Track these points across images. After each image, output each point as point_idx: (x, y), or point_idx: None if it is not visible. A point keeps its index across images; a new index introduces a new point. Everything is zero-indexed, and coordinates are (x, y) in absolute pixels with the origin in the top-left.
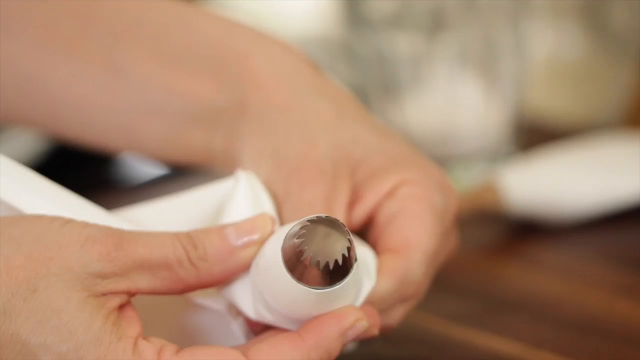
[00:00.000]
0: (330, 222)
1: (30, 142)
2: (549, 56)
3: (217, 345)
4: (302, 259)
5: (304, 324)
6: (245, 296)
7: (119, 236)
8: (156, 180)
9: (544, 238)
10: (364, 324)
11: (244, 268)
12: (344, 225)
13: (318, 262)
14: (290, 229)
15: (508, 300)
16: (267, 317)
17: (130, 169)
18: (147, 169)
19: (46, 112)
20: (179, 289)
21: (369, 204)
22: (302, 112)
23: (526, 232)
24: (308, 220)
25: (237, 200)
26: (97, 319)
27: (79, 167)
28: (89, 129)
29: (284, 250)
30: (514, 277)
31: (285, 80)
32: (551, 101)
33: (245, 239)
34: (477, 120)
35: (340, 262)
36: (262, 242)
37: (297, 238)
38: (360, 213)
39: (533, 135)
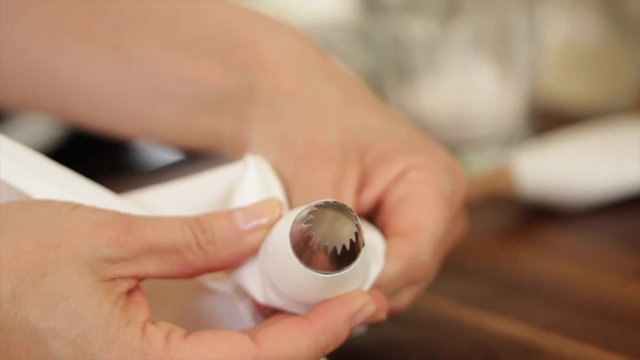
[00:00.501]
0: (338, 207)
1: (47, 127)
2: (565, 41)
3: (225, 330)
4: (309, 244)
5: (312, 308)
6: (253, 280)
7: (128, 221)
8: (172, 165)
9: (557, 222)
10: (371, 308)
11: (253, 252)
12: (352, 210)
13: (326, 247)
14: (298, 214)
15: (520, 284)
16: (275, 301)
17: (146, 154)
18: (163, 154)
19: (55, 98)
20: (188, 273)
21: (378, 188)
22: (310, 97)
23: (539, 216)
24: (316, 205)
25: (245, 185)
26: (105, 303)
27: (95, 153)
28: (98, 114)
29: (291, 235)
30: (526, 261)
31: (294, 66)
32: (566, 86)
33: (254, 223)
34: (491, 105)
35: (347, 247)
36: (270, 226)
37: (304, 223)
38: (368, 197)
39: (547, 120)
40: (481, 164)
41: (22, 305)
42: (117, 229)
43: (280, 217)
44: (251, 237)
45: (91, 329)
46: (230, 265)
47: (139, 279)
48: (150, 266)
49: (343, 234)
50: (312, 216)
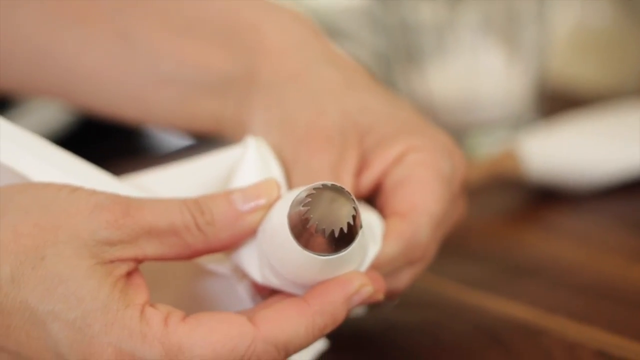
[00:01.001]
0: (335, 190)
1: (58, 112)
2: (575, 24)
3: (224, 311)
4: (307, 226)
5: (310, 289)
6: (252, 260)
7: (127, 203)
8: (183, 150)
9: (563, 205)
10: (368, 289)
11: (251, 233)
12: (350, 193)
13: (323, 230)
14: (296, 196)
15: (525, 266)
16: (274, 282)
17: (157, 139)
18: (173, 139)
19: (57, 82)
20: (187, 254)
21: (377, 171)
22: (310, 80)
23: (545, 199)
24: (314, 188)
25: (245, 166)
26: (104, 286)
27: (106, 137)
28: (100, 98)
29: (289, 217)
30: (532, 244)
31: (294, 50)
32: (575, 69)
33: (252, 204)
34: (499, 88)
35: (345, 229)
36: (268, 207)
37: (302, 205)
38: (368, 180)
39: (555, 103)
40: (489, 147)
41: (22, 287)
42: (115, 211)
43: (278, 198)
44: (249, 218)
45: (90, 312)
46: (229, 246)
47: (138, 261)
48: (149, 248)
49: (341, 216)
50: (310, 199)
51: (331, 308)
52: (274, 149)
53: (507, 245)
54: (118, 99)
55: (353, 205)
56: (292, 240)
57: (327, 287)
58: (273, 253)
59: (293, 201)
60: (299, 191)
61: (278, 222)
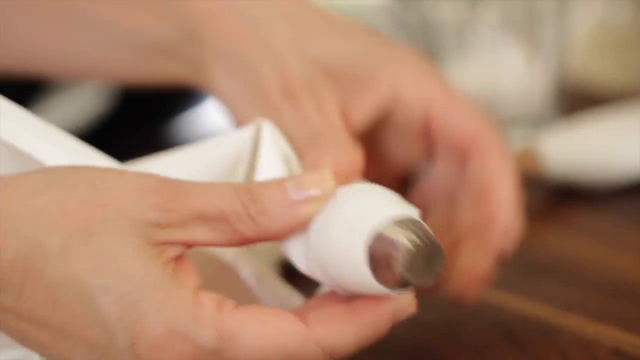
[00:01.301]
0: (433, 249)
1: (88, 104)
2: (597, 22)
3: (274, 307)
4: (392, 270)
5: (361, 298)
6: (297, 249)
7: (175, 187)
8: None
9: (582, 203)
10: (412, 309)
11: (304, 224)
12: (444, 250)
13: (407, 280)
14: (383, 231)
15: (543, 265)
16: (318, 275)
17: (179, 135)
18: (197, 134)
19: (13, 56)
20: (237, 241)
21: (369, 114)
22: (263, 38)
23: (564, 197)
24: (410, 240)
25: (269, 153)
26: (155, 266)
27: (129, 133)
28: (59, 68)
29: (372, 252)
30: (549, 242)
31: (240, 10)
32: (598, 67)
33: (306, 193)
34: (519, 86)
35: (430, 284)
36: (322, 199)
37: (396, 251)
38: (362, 118)
39: (576, 101)
40: (509, 145)
41: (71, 260)
42: (163, 195)
43: (332, 190)
44: (303, 209)
45: (142, 287)
46: (281, 236)
47: (188, 246)
48: (199, 233)
49: (429, 276)
50: (406, 256)
51: (379, 322)
52: (252, 115)
53: (524, 243)
54: (75, 67)
55: (443, 263)
56: (366, 270)
57: (378, 301)
58: (332, 262)
59: (377, 235)
60: (386, 222)
61: (350, 244)
